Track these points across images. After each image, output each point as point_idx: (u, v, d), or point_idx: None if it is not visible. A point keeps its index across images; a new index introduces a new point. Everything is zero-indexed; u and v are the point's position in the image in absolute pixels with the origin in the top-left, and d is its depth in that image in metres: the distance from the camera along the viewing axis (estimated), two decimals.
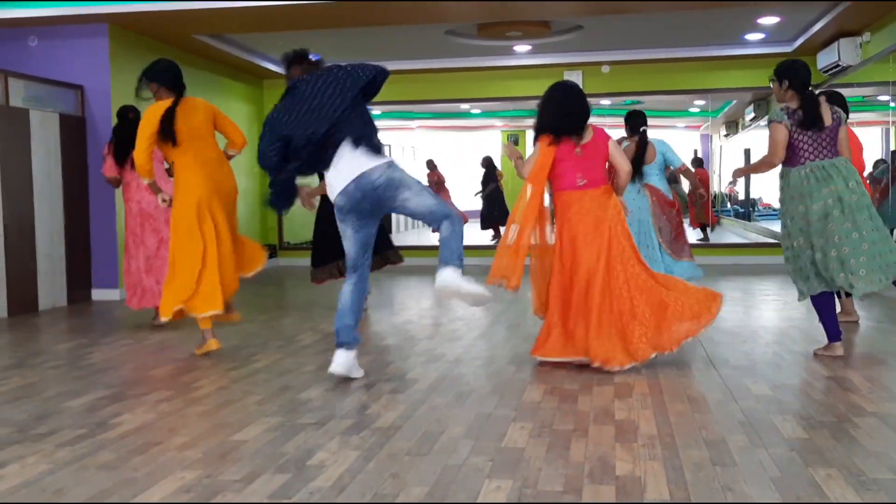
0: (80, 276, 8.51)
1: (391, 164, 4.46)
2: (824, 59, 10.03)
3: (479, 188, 15.00)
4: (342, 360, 4.59)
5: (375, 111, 16.23)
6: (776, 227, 15.29)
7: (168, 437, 3.61)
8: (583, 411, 3.95)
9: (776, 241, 12.98)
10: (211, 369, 5.05)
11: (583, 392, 4.33)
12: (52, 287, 8.07)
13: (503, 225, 14.92)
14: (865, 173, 6.45)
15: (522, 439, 3.50)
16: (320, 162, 4.51)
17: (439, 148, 17.08)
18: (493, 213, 14.74)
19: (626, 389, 4.37)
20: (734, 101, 15.02)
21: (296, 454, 3.34)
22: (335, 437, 3.58)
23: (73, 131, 8.47)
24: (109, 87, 8.67)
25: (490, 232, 14.75)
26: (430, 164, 16.17)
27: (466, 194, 15.56)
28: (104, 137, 8.56)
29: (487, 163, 15.02)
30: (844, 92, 11.19)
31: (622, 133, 7.05)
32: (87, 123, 8.69)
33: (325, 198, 6.38)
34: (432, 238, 14.65)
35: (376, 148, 4.49)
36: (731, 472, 3.06)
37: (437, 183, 15.70)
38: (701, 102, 14.08)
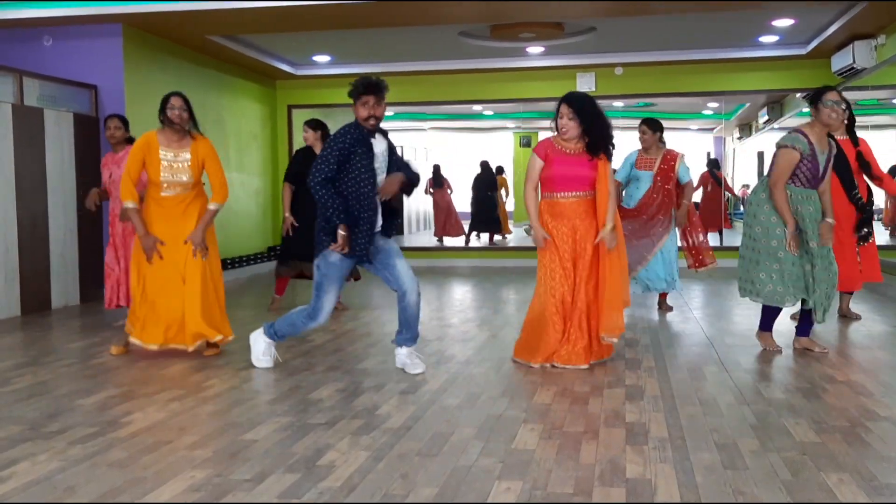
0: (92, 275, 8.53)
1: None
2: (839, 61, 9.97)
3: (472, 192, 14.92)
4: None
5: (388, 112, 16.31)
6: None
7: (178, 436, 3.62)
8: (593, 413, 3.94)
9: None
10: (222, 369, 5.06)
11: (593, 394, 4.32)
12: (64, 286, 8.10)
13: (486, 232, 14.90)
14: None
15: (532, 441, 3.50)
16: None
17: (451, 149, 17.04)
18: (487, 217, 14.63)
19: (637, 392, 4.36)
20: (747, 104, 14.95)
21: (306, 454, 3.35)
22: (345, 437, 3.58)
23: (87, 131, 8.50)
24: (123, 87, 8.71)
25: (482, 235, 14.74)
26: (436, 179, 15.73)
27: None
28: None
29: (484, 166, 14.97)
30: (859, 95, 11.20)
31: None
32: (100, 123, 8.72)
33: (302, 203, 7.03)
34: (445, 240, 14.66)
35: None
36: (742, 475, 3.04)
37: (445, 207, 15.48)
38: (714, 105, 14.02)
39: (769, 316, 5.44)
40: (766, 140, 15.47)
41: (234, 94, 11.33)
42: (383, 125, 4.86)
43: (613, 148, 5.04)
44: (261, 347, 5.11)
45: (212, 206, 5.47)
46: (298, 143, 12.89)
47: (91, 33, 8.71)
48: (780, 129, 14.66)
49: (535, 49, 11.00)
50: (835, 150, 5.20)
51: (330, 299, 4.80)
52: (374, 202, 4.73)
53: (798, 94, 12.50)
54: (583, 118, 4.92)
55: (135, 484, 3.02)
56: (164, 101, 5.42)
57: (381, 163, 4.75)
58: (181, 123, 5.38)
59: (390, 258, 4.83)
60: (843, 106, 5.06)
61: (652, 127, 7.04)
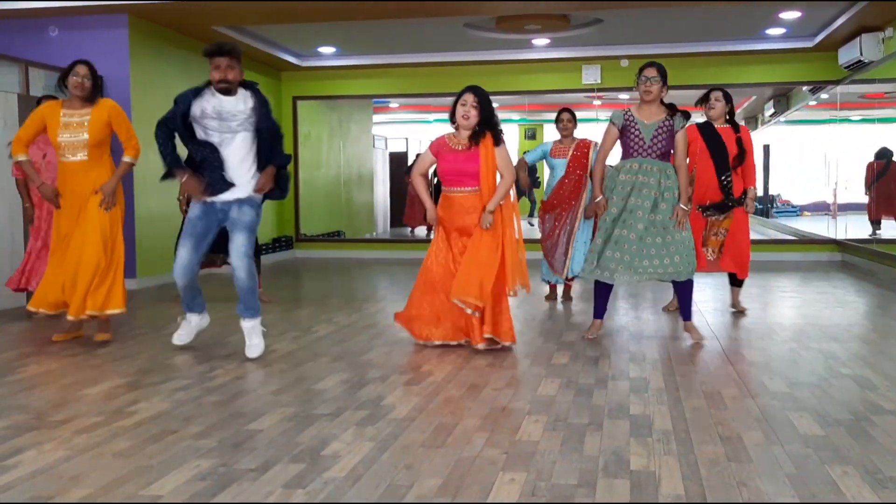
0: None
1: None
2: (846, 54, 9.93)
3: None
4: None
5: (393, 104, 16.28)
6: (795, 223, 15.13)
7: (184, 426, 3.63)
8: (598, 405, 3.95)
9: (794, 238, 12.91)
10: (227, 359, 5.07)
11: (598, 386, 4.32)
12: None
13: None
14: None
15: (537, 432, 3.50)
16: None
17: None
18: None
19: (642, 384, 4.36)
20: (753, 97, 14.91)
21: (310, 444, 3.36)
22: (350, 427, 3.59)
23: None
24: (129, 78, 8.71)
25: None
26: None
27: None
28: None
29: None
30: (866, 88, 11.14)
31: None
32: None
33: None
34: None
35: None
36: (747, 468, 3.04)
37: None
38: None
39: (599, 299, 5.62)
40: (773, 133, 15.43)
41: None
42: (386, 117, 4.97)
43: (501, 133, 5.32)
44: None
45: (126, 159, 5.50)
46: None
47: (97, 24, 8.72)
48: (787, 122, 14.63)
49: (540, 41, 10.98)
50: (677, 127, 5.31)
51: (181, 253, 5.00)
52: (215, 162, 4.90)
53: (805, 87, 12.46)
54: (483, 108, 5.17)
55: (140, 473, 3.03)
56: (69, 69, 5.41)
57: (239, 122, 4.91)
58: (82, 94, 5.40)
59: (233, 230, 5.00)
60: (658, 80, 5.36)
61: (574, 117, 7.21)
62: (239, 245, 4.97)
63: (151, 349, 5.45)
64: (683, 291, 5.54)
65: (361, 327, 6.23)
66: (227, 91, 4.92)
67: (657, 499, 2.75)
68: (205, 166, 4.93)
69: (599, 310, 5.66)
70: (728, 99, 6.50)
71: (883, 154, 11.51)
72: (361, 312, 6.99)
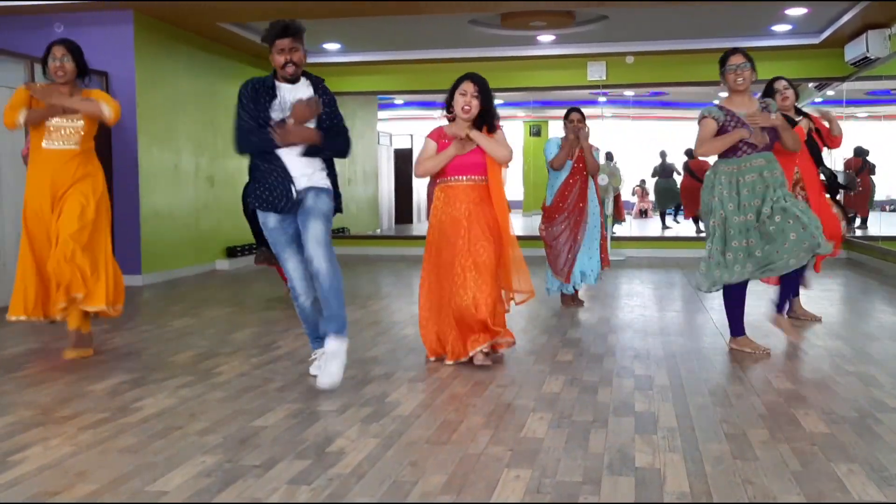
0: None
1: None
2: (852, 51, 9.91)
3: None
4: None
5: (398, 100, 16.27)
6: None
7: (189, 422, 3.64)
8: (602, 403, 3.94)
9: None
10: (231, 356, 5.07)
11: (602, 384, 4.32)
12: None
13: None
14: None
15: (542, 429, 3.50)
16: None
17: None
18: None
19: (647, 382, 4.36)
20: (759, 94, 14.86)
21: (315, 441, 3.36)
22: (354, 424, 3.59)
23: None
24: (134, 74, 8.71)
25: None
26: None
27: None
28: (129, 123, 8.62)
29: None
30: (872, 84, 11.10)
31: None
32: None
33: None
34: None
35: None
36: (752, 465, 3.04)
37: None
38: (725, 94, 13.97)
39: (732, 313, 5.14)
40: None
41: (244, 81, 11.31)
42: (391, 114, 4.74)
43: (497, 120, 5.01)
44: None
45: (103, 106, 4.85)
46: None
47: (102, 20, 8.72)
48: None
49: (545, 38, 10.96)
50: (773, 111, 4.95)
51: (291, 266, 4.35)
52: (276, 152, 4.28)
53: (811, 84, 12.42)
54: (484, 98, 4.89)
55: (145, 469, 3.04)
56: (46, 53, 4.78)
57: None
58: (65, 77, 4.80)
59: (308, 218, 4.24)
60: (747, 66, 4.91)
61: (584, 116, 6.98)
62: (317, 232, 4.18)
63: (156, 346, 5.45)
64: (789, 278, 5.14)
65: (366, 324, 6.23)
66: (293, 78, 4.41)
67: (662, 496, 2.75)
68: (270, 174, 4.28)
69: (738, 327, 5.13)
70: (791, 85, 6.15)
71: (860, 152, 11.56)
72: (366, 309, 7.00)
